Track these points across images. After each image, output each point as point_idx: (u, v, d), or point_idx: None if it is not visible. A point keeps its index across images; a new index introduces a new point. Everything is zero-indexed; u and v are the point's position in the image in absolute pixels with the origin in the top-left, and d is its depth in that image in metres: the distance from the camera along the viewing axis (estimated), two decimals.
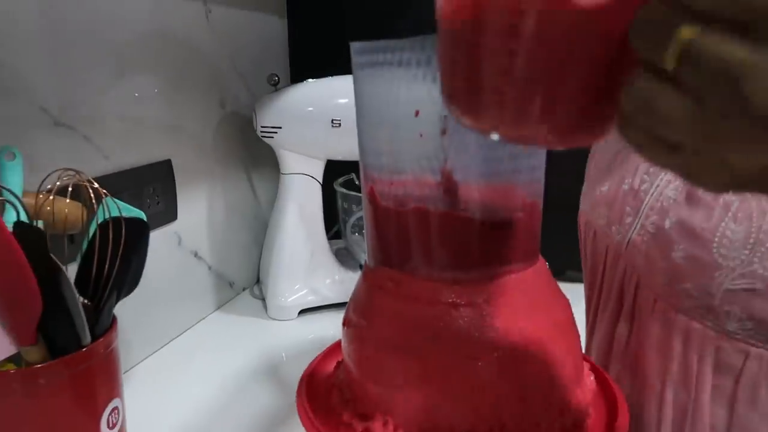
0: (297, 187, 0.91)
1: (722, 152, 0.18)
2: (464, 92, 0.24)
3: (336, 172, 0.95)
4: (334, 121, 0.85)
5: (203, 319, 0.91)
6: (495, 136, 0.25)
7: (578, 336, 0.43)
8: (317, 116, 0.86)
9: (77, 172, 0.49)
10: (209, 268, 0.91)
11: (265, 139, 0.88)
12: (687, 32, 0.17)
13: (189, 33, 0.82)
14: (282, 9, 1.07)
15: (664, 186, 0.44)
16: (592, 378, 0.44)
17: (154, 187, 0.77)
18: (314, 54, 1.09)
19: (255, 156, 1.00)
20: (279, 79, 0.89)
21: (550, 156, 0.40)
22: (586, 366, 0.45)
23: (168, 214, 0.80)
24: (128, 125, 0.72)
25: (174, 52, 0.79)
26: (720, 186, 0.19)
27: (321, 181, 0.93)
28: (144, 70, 0.74)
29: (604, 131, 0.23)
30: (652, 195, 0.44)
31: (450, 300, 0.39)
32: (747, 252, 0.38)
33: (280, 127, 0.87)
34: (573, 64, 0.21)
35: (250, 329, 0.88)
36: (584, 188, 0.56)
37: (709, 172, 0.19)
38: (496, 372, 0.38)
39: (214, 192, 0.91)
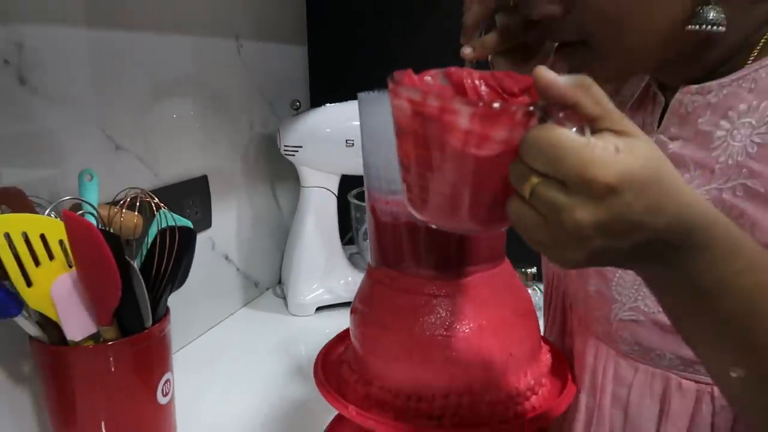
0: (315, 199, 1.03)
1: (560, 248, 0.31)
2: (417, 203, 0.38)
3: (350, 185, 1.07)
4: (348, 141, 0.97)
5: (232, 314, 1.03)
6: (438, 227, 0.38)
7: (536, 321, 0.54)
8: (334, 137, 0.98)
9: (141, 190, 0.61)
10: (237, 269, 1.04)
11: (287, 157, 1.01)
12: (534, 180, 0.31)
13: (223, 65, 0.95)
14: (303, 39, 1.20)
15: None
16: (549, 356, 0.55)
17: (192, 200, 0.89)
18: (332, 80, 1.22)
19: (278, 171, 1.12)
20: (300, 104, 1.02)
21: None
22: (545, 347, 0.56)
23: (204, 222, 0.93)
24: (172, 147, 0.85)
25: (210, 82, 0.92)
26: (566, 266, 0.33)
27: (336, 193, 1.05)
28: (183, 98, 0.87)
29: (506, 225, 0.37)
30: None
31: (432, 292, 0.50)
32: (634, 291, 0.49)
33: (301, 146, 0.99)
34: (480, 189, 0.34)
35: (272, 324, 1.00)
36: None
37: (557, 260, 0.32)
38: (465, 347, 0.49)
39: (243, 203, 1.03)
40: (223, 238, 0.99)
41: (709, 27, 0.42)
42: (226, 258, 1.00)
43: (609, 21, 0.43)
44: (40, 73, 0.64)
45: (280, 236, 1.14)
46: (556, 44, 0.49)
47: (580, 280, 0.54)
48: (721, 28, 0.42)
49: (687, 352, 0.46)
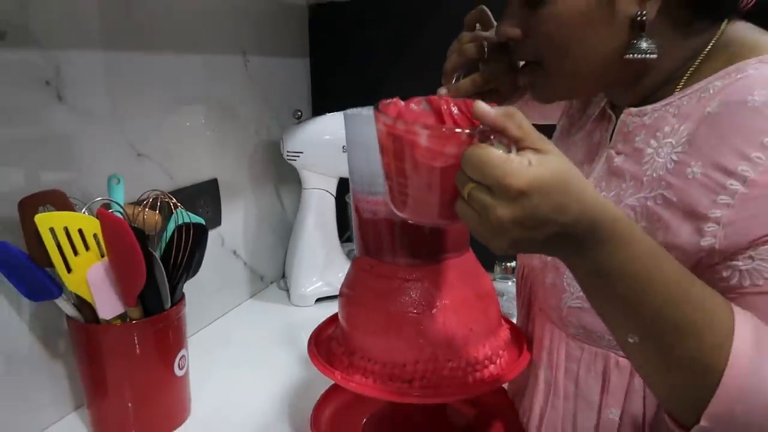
0: (315, 200, 1.13)
1: (490, 238, 0.41)
2: (398, 203, 0.48)
3: (347, 187, 1.16)
4: (345, 147, 1.07)
5: (239, 305, 1.13)
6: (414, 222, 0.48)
7: (496, 302, 0.64)
8: (332, 143, 1.08)
9: (161, 191, 0.71)
10: (245, 264, 1.14)
11: (290, 161, 1.11)
12: (470, 186, 0.40)
13: (231, 79, 1.05)
14: (305, 52, 1.30)
15: None
16: (508, 333, 0.65)
17: (204, 200, 0.99)
18: (332, 91, 1.32)
19: (282, 174, 1.22)
20: (301, 113, 1.12)
21: None
22: (506, 325, 0.66)
23: (214, 220, 1.03)
24: (186, 153, 0.95)
25: (219, 95, 1.02)
26: (496, 251, 0.42)
27: (335, 194, 1.15)
28: (196, 110, 0.97)
29: None
30: None
31: (405, 276, 0.60)
32: None
33: (302, 152, 1.09)
34: (441, 192, 0.44)
35: (276, 313, 1.10)
36: None
37: (490, 246, 0.42)
38: (432, 323, 0.59)
39: (249, 203, 1.14)
40: (232, 235, 1.09)
41: (643, 56, 0.51)
42: (235, 253, 1.10)
43: (558, 47, 0.53)
44: (75, 92, 0.74)
45: (284, 234, 1.24)
46: (522, 63, 0.59)
47: (541, 273, 0.63)
48: (653, 56, 0.51)
49: None
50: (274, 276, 1.24)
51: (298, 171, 1.13)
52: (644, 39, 0.50)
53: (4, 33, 0.65)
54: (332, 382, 0.73)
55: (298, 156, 1.09)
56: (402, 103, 0.49)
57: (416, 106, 0.49)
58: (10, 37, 0.66)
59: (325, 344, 0.67)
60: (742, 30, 0.53)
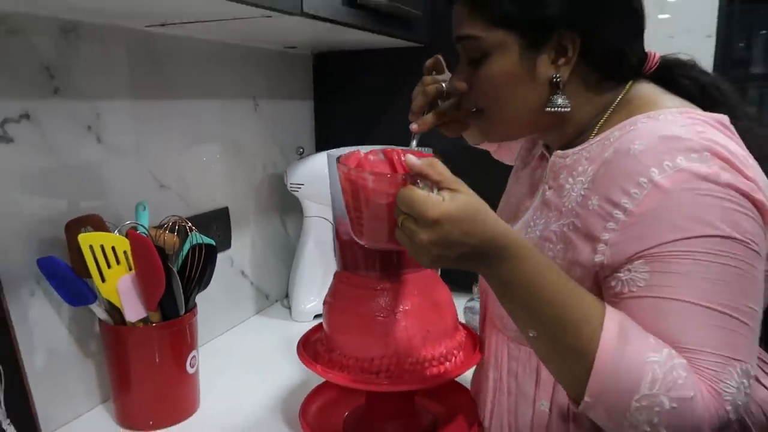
0: (315, 227, 1.27)
1: (418, 256, 0.54)
2: (357, 232, 0.63)
3: None
4: None
5: (246, 320, 1.26)
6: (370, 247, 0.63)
7: (452, 310, 0.76)
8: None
9: (179, 217, 0.86)
10: (251, 283, 1.28)
11: (293, 192, 1.25)
12: (402, 217, 0.54)
13: (243, 119, 1.21)
14: (310, 95, 1.46)
15: None
16: (463, 336, 0.77)
17: (216, 225, 1.14)
18: (333, 130, 1.47)
19: (286, 204, 1.37)
20: (303, 150, 1.27)
21: None
22: (463, 331, 0.78)
23: (225, 243, 1.17)
24: (201, 184, 1.10)
25: (231, 133, 1.18)
26: (424, 265, 0.55)
27: (333, 222, 1.29)
28: (212, 145, 1.12)
29: None
30: None
31: (375, 287, 0.73)
32: None
33: (303, 184, 1.23)
34: (387, 223, 0.58)
35: (278, 327, 1.23)
36: None
37: (422, 263, 0.55)
38: (396, 325, 0.71)
39: (257, 229, 1.28)
40: (241, 257, 1.23)
41: (559, 109, 0.65)
42: (243, 273, 1.24)
43: (493, 99, 0.67)
44: (110, 134, 0.90)
45: (288, 257, 1.38)
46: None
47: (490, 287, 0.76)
48: (567, 109, 0.65)
49: None
50: (278, 295, 1.38)
51: (300, 201, 1.27)
52: (560, 96, 0.64)
53: (57, 88, 0.81)
54: (319, 382, 0.86)
55: (300, 187, 1.24)
56: (362, 153, 0.64)
57: (373, 156, 0.63)
58: (62, 91, 0.82)
59: (311, 345, 0.80)
60: (645, 89, 0.66)
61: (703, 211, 0.53)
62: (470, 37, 0.65)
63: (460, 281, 1.00)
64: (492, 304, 0.75)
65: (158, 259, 0.77)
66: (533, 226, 0.69)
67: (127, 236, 0.79)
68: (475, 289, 1.21)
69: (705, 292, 0.53)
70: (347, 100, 1.44)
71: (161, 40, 0.97)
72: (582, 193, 0.62)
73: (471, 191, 0.55)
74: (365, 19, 0.99)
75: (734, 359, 0.52)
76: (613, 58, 0.64)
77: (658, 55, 0.68)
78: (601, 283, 0.59)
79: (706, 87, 0.66)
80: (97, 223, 0.79)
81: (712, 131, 0.57)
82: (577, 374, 0.54)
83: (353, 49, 1.39)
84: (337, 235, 0.77)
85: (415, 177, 0.55)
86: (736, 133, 0.60)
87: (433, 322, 0.73)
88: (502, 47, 0.64)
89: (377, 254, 0.74)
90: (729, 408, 0.51)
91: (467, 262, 0.55)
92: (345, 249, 0.77)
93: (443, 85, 0.78)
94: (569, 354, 0.54)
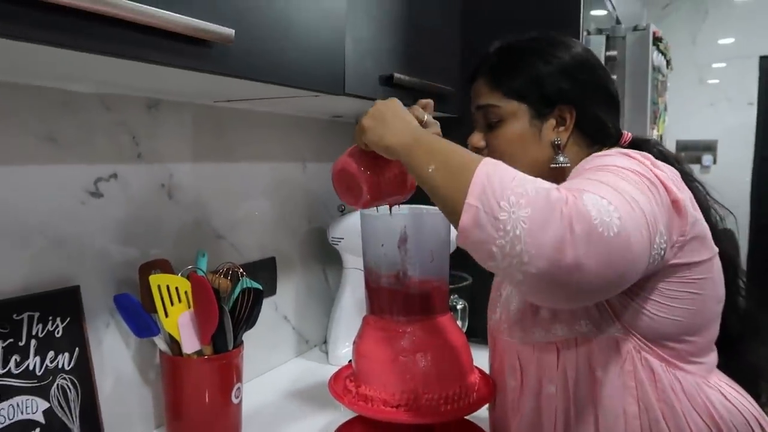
0: (353, 277, 1.39)
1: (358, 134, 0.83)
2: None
3: None
4: None
5: (287, 362, 1.37)
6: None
7: (469, 352, 0.85)
8: None
9: (233, 264, 0.99)
10: (293, 328, 1.39)
11: (333, 245, 1.38)
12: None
13: (292, 178, 1.36)
14: None
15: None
16: (477, 376, 0.86)
17: (264, 273, 1.27)
18: None
19: (327, 256, 1.49)
20: (345, 208, 1.40)
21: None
22: (477, 372, 0.87)
23: (271, 290, 1.30)
24: (253, 236, 1.24)
25: (281, 192, 1.33)
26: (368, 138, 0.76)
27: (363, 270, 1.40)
28: (264, 201, 1.27)
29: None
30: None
31: (401, 330, 0.83)
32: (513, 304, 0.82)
33: (343, 238, 1.36)
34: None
35: (316, 370, 1.33)
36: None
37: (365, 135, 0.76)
38: (416, 364, 0.81)
39: (300, 277, 1.40)
40: (284, 303, 1.35)
41: (561, 165, 0.78)
42: (285, 318, 1.36)
43: (507, 156, 0.80)
44: (179, 191, 1.05)
45: (327, 304, 1.49)
46: None
47: (496, 321, 0.86)
48: (567, 165, 0.79)
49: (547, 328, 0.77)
50: (317, 340, 1.48)
51: (340, 253, 1.40)
52: (561, 155, 0.80)
53: (140, 153, 0.98)
54: (348, 417, 0.95)
55: (340, 241, 1.36)
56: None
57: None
58: (144, 155, 0.98)
59: (341, 381, 0.90)
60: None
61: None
62: (490, 105, 0.83)
63: None
64: (497, 327, 0.86)
65: (214, 299, 0.89)
66: None
67: (188, 278, 0.93)
68: None
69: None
70: None
71: (225, 111, 1.14)
72: None
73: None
74: (402, 96, 1.14)
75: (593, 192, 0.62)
76: (598, 127, 0.83)
77: (630, 135, 0.85)
78: None
79: (663, 154, 0.81)
80: (164, 267, 0.93)
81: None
82: (461, 185, 0.62)
83: None
84: (367, 282, 0.88)
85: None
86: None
87: (450, 363, 0.82)
88: (515, 114, 0.82)
89: (402, 300, 0.84)
90: (586, 203, 0.58)
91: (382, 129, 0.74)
92: (373, 295, 0.87)
93: (426, 116, 0.88)
94: (457, 170, 0.64)
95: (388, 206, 0.86)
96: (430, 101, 0.90)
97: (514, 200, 0.59)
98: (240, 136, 1.19)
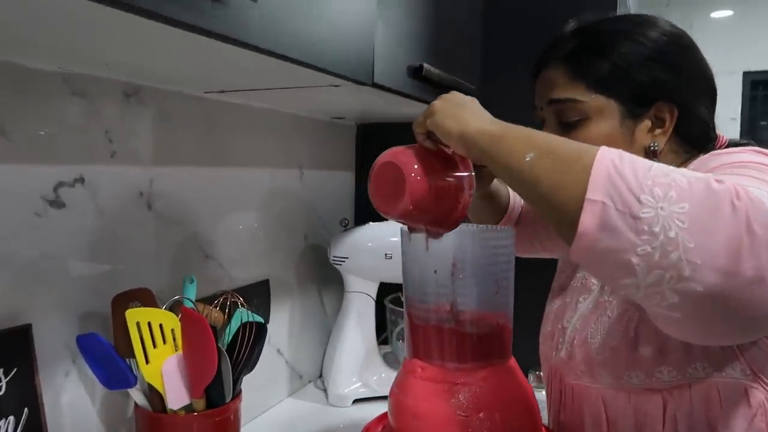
0: (357, 302, 1.20)
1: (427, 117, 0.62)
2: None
3: (387, 291, 1.24)
4: (387, 254, 1.15)
5: (280, 402, 1.17)
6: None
7: (536, 407, 0.68)
8: (375, 250, 1.16)
9: (231, 292, 0.79)
10: (286, 362, 1.19)
11: (335, 266, 1.19)
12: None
13: (288, 187, 1.17)
14: (351, 165, 1.43)
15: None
16: None
17: (257, 299, 1.07)
18: None
19: (324, 277, 1.30)
20: (348, 222, 1.22)
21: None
22: (545, 430, 0.70)
23: (264, 319, 1.09)
24: (244, 256, 1.04)
25: (278, 202, 1.13)
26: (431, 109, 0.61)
27: (375, 298, 1.22)
28: (257, 213, 1.07)
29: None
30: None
31: (454, 381, 0.65)
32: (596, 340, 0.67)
33: (347, 257, 1.17)
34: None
35: (315, 414, 1.13)
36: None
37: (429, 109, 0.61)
38: (480, 426, 0.63)
39: (295, 303, 1.21)
40: (278, 334, 1.15)
41: None
42: (278, 351, 1.16)
43: None
44: (161, 201, 0.85)
45: (323, 334, 1.30)
46: None
47: (567, 359, 0.71)
48: None
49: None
50: (311, 375, 1.28)
51: (342, 275, 1.21)
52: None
53: (114, 153, 0.77)
54: None
55: (344, 261, 1.17)
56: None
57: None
58: (119, 155, 0.78)
59: None
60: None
61: None
62: (570, 100, 0.66)
63: None
64: (572, 367, 0.70)
65: (213, 340, 0.69)
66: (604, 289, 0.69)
67: (174, 312, 0.73)
68: (531, 377, 1.12)
69: None
70: None
71: (216, 106, 0.95)
72: None
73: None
74: (426, 92, 0.97)
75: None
76: (702, 129, 0.68)
77: (726, 138, 0.70)
78: None
79: None
80: (145, 298, 0.73)
81: None
82: (576, 176, 0.46)
83: (397, 121, 1.36)
84: (410, 318, 0.70)
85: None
86: None
87: (521, 423, 0.65)
88: (602, 112, 0.66)
89: (453, 342, 0.67)
90: (762, 198, 0.43)
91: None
92: (417, 334, 0.69)
93: None
94: (568, 158, 0.48)
95: (423, 232, 0.67)
96: None
97: (660, 193, 0.43)
98: (231, 136, 1.00)
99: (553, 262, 0.88)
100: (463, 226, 0.73)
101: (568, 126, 0.67)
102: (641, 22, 0.67)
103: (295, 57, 0.62)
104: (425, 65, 0.91)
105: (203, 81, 0.82)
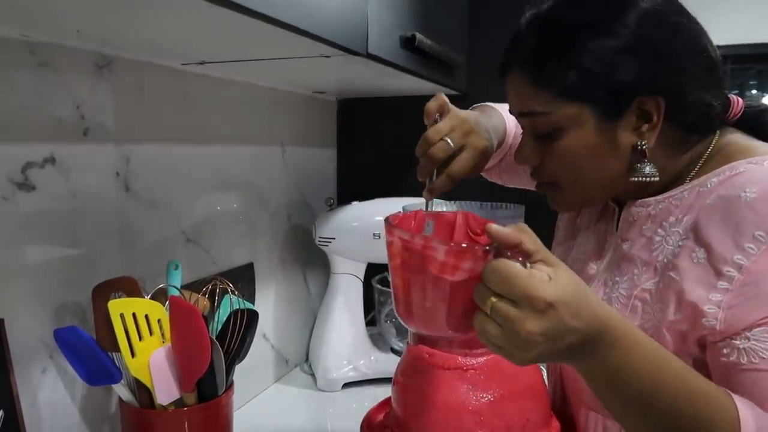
0: (344, 284, 1.16)
1: (514, 350, 0.44)
2: (404, 314, 0.52)
3: (374, 271, 1.20)
4: (375, 234, 1.11)
5: (266, 389, 1.13)
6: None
7: (546, 393, 0.66)
8: (362, 230, 1.12)
9: (220, 279, 0.75)
10: (272, 347, 1.15)
11: (321, 247, 1.14)
12: (492, 299, 0.43)
13: (270, 165, 1.11)
14: (333, 142, 1.37)
15: None
16: (558, 425, 0.67)
17: (242, 284, 1.02)
18: (355, 179, 1.38)
19: (309, 259, 1.25)
20: (334, 201, 1.17)
21: None
22: (554, 417, 0.68)
23: (250, 303, 1.05)
24: (227, 239, 0.99)
25: (260, 182, 1.08)
26: (519, 363, 0.45)
27: (362, 279, 1.18)
28: (240, 193, 1.02)
29: (472, 333, 0.48)
30: None
31: (463, 366, 0.62)
32: None
33: (334, 238, 1.13)
34: (451, 305, 0.48)
35: (304, 398, 1.10)
36: None
37: (512, 360, 0.45)
38: (491, 413, 0.60)
39: (280, 286, 1.16)
40: (263, 319, 1.09)
41: (648, 178, 0.58)
42: (264, 336, 1.12)
43: (570, 173, 0.60)
44: (139, 182, 0.79)
45: (308, 317, 1.26)
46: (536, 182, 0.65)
47: None
48: (655, 179, 0.58)
49: None
50: (297, 359, 1.24)
51: (329, 256, 1.17)
52: (647, 165, 0.58)
53: (87, 129, 0.71)
54: None
55: (330, 242, 1.13)
56: (407, 211, 0.55)
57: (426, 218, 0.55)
58: (92, 133, 0.71)
59: (377, 430, 0.68)
60: (735, 137, 0.61)
61: None
62: (537, 113, 0.59)
63: None
64: (575, 377, 0.65)
65: (205, 330, 0.65)
66: (612, 285, 0.62)
67: (159, 300, 0.67)
68: None
69: None
70: (371, 147, 1.36)
71: (194, 79, 0.88)
72: (680, 244, 0.56)
73: (564, 264, 0.46)
74: (417, 63, 0.92)
75: None
76: (701, 112, 0.58)
77: (742, 101, 0.62)
78: (707, 346, 0.53)
79: None
80: (129, 287, 0.67)
81: None
82: None
83: (378, 95, 1.31)
84: None
85: (502, 248, 0.45)
86: None
87: (533, 408, 0.63)
88: (576, 121, 0.57)
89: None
90: None
91: (571, 354, 0.46)
92: None
93: (449, 142, 0.62)
94: None
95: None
96: (444, 100, 0.65)
97: None
98: (211, 112, 0.93)
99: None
100: (467, 205, 0.70)
101: (544, 138, 0.60)
102: (612, 3, 0.56)
103: (288, 22, 0.57)
104: (418, 35, 0.86)
105: (183, 50, 0.76)
